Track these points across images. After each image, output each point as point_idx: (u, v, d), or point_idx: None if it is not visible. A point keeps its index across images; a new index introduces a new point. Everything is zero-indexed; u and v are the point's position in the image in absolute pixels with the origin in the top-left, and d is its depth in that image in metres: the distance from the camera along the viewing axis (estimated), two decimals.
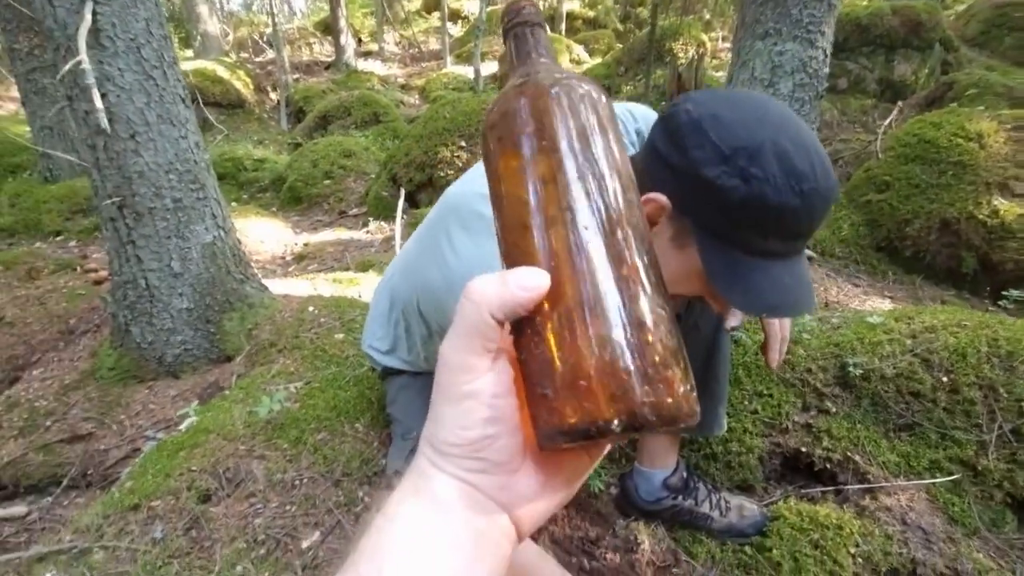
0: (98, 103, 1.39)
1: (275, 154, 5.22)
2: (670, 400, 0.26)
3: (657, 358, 0.26)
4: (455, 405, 0.27)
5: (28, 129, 4.00)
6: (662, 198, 0.64)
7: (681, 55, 5.44)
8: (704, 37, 5.77)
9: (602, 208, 0.28)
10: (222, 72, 6.44)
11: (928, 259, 2.30)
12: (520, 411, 0.28)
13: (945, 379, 1.28)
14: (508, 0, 0.36)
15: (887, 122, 3.04)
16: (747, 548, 1.17)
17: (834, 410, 1.34)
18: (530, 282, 0.27)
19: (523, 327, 0.28)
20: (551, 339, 0.27)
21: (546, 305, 0.27)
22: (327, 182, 4.21)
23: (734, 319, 0.95)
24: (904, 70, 4.38)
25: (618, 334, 0.26)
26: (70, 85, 1.55)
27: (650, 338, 0.26)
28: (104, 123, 1.43)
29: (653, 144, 0.66)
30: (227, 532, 1.05)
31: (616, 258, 0.27)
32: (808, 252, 2.37)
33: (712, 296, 0.72)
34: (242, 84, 6.66)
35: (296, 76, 7.84)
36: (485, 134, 0.32)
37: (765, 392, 1.40)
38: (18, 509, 1.52)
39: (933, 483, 1.19)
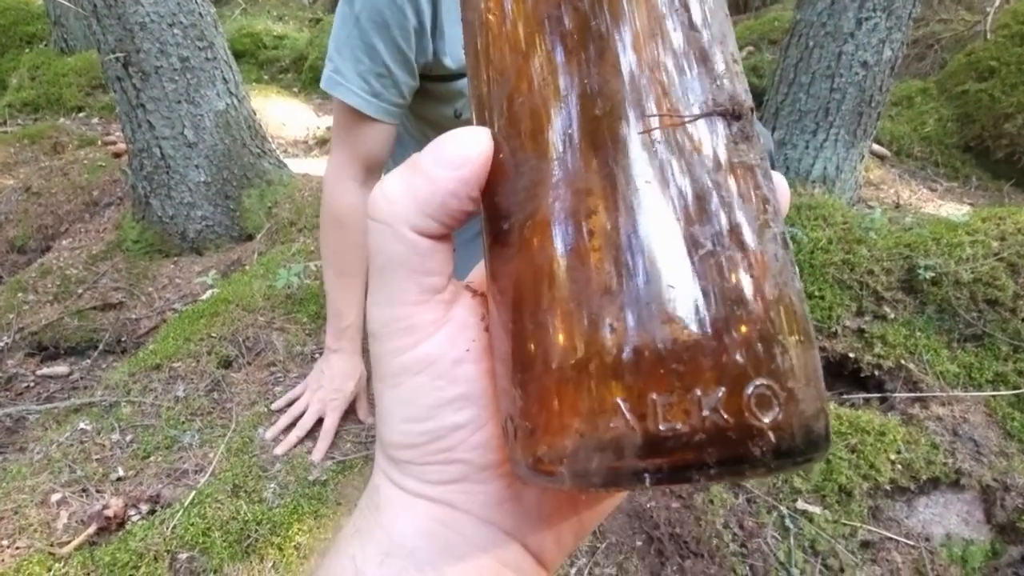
0: None
1: (296, 30, 4.86)
2: (795, 406, 0.14)
3: (766, 328, 0.14)
4: (396, 386, 0.18)
5: None
6: None
7: None
8: None
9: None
10: None
11: None
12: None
13: None
14: None
15: None
16: None
17: (892, 316, 1.22)
18: (457, 150, 0.16)
19: (497, 243, 0.17)
20: (550, 267, 0.15)
21: (537, 211, 0.15)
22: None
23: None
24: None
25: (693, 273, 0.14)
26: None
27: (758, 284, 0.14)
28: None
29: None
30: (247, 396, 1.05)
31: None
32: (881, 150, 2.10)
33: None
34: None
35: None
36: None
37: (816, 293, 1.27)
38: (61, 368, 1.59)
39: (995, 396, 1.09)
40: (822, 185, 1.48)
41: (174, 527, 0.73)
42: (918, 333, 1.19)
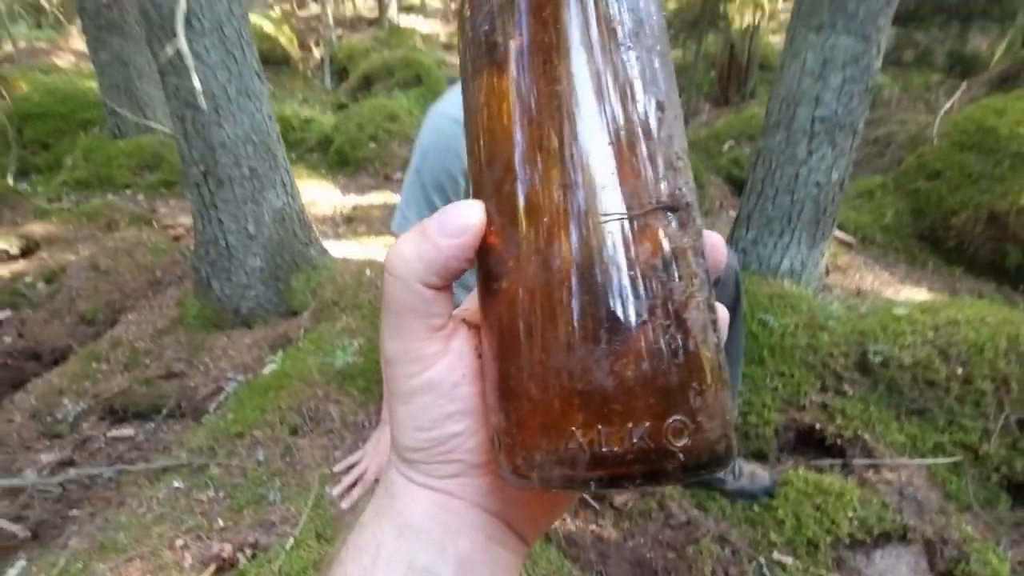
0: (197, 84, 1.55)
1: (320, 114, 5.35)
2: (708, 432, 0.19)
3: (694, 364, 0.19)
4: (407, 403, 0.23)
5: (96, 85, 4.25)
6: None
7: (736, 21, 5.23)
8: (764, 0, 5.52)
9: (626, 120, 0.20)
10: (268, 28, 6.55)
11: (971, 251, 2.31)
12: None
13: (960, 370, 1.38)
14: None
15: (948, 104, 2.94)
16: (755, 507, 1.32)
17: (851, 392, 1.45)
18: (457, 222, 0.21)
19: (487, 296, 0.21)
20: (524, 315, 0.20)
21: (514, 266, 0.20)
22: (372, 145, 4.35)
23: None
24: (979, 43, 4.10)
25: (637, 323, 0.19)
26: (164, 62, 1.72)
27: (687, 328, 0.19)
28: (202, 102, 1.59)
29: None
30: (313, 460, 1.26)
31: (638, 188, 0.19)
32: (847, 237, 2.40)
33: None
34: (287, 40, 6.76)
35: (339, 32, 7.86)
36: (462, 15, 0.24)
37: (787, 372, 1.51)
38: (127, 431, 1.79)
39: (935, 463, 1.30)
40: (789, 278, 1.76)
41: (280, 566, 0.93)
42: (872, 408, 1.42)
